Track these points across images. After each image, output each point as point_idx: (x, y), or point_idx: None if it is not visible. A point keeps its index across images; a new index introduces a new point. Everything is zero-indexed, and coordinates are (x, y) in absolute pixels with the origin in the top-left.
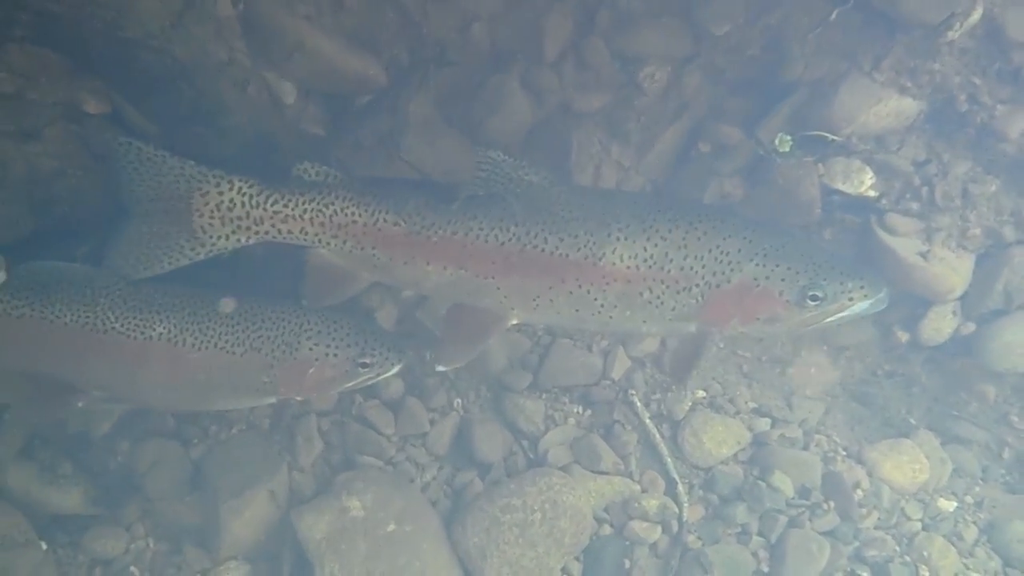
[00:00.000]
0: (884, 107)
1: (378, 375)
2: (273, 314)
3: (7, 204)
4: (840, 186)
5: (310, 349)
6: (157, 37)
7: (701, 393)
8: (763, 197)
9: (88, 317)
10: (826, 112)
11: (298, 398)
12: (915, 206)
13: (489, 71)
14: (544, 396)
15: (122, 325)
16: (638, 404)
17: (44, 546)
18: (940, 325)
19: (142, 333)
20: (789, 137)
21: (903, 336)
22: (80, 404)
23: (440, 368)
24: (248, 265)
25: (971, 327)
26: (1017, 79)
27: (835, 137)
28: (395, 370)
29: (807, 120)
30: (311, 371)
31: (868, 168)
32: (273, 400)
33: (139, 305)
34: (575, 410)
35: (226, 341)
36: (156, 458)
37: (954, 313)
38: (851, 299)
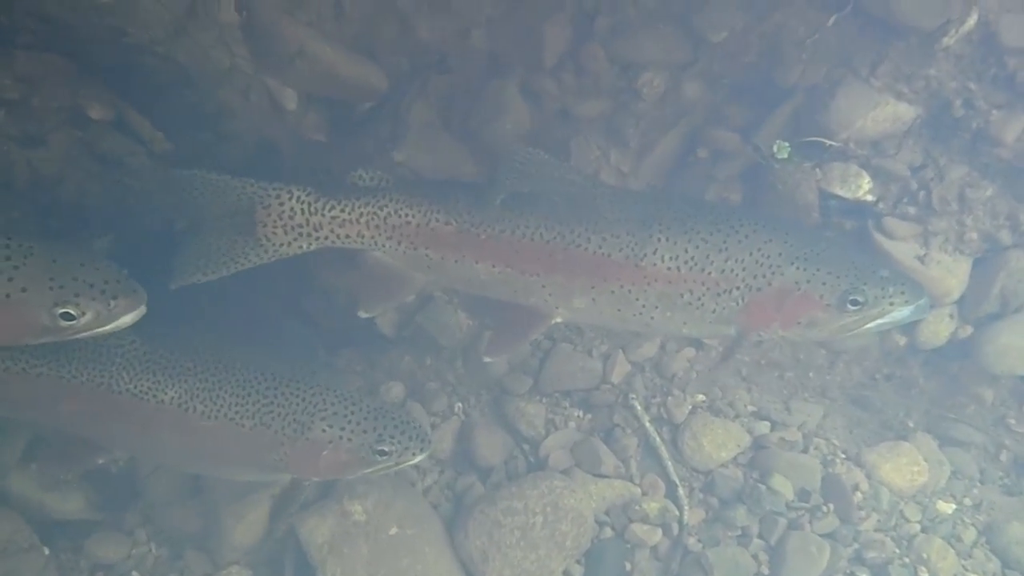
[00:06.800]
0: (881, 112)
1: (398, 463)
2: (289, 388)
3: (12, 208)
4: (838, 191)
5: (323, 431)
6: (161, 43)
7: (701, 397)
8: (761, 202)
9: (103, 377)
10: (823, 117)
11: (313, 478)
12: (912, 210)
13: (488, 77)
14: (545, 400)
15: (135, 387)
16: (638, 408)
17: (47, 551)
18: (937, 328)
19: (154, 396)
20: (787, 143)
21: (901, 339)
22: (100, 461)
23: (487, 359)
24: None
25: (968, 330)
26: (1012, 85)
27: (832, 142)
28: (417, 460)
29: (804, 125)
30: (324, 454)
31: (865, 173)
32: (287, 476)
33: (153, 366)
34: (575, 414)
35: (236, 412)
36: (157, 463)
37: (951, 316)
38: (892, 304)
